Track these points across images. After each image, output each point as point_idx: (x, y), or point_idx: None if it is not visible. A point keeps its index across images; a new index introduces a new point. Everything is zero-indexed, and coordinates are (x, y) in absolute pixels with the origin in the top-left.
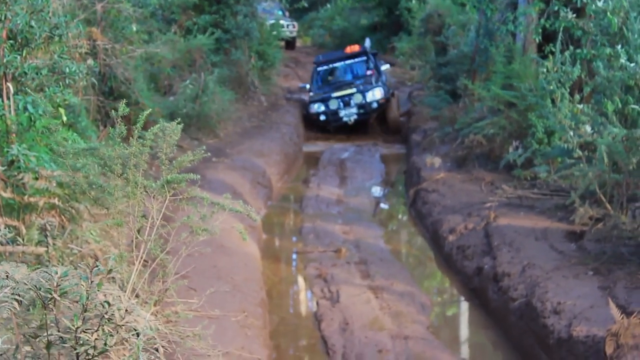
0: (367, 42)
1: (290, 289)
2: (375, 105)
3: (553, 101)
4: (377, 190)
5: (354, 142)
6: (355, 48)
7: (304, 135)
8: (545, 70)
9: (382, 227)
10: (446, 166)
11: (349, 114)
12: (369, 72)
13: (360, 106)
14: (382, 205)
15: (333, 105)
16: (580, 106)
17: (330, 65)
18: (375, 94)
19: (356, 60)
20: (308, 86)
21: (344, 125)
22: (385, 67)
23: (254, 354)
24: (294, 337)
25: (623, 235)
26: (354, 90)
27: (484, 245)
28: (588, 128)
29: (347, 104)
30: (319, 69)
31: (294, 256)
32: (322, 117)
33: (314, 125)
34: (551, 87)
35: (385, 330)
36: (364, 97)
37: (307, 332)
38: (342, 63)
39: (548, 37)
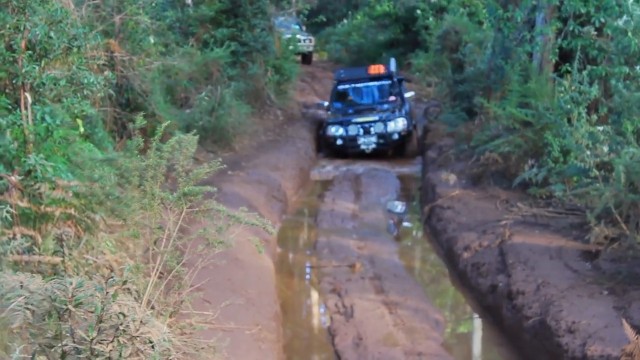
0: (393, 64)
1: (304, 303)
2: (396, 137)
3: (569, 120)
4: (392, 206)
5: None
6: (380, 68)
7: (317, 156)
8: (562, 89)
9: (396, 243)
10: (461, 183)
11: (367, 143)
12: (392, 98)
13: (380, 136)
14: (397, 221)
15: (352, 131)
16: (600, 128)
17: (352, 85)
18: (398, 125)
19: (380, 83)
20: (326, 104)
21: (361, 153)
22: (409, 94)
23: None
24: (308, 351)
25: (639, 255)
26: (376, 118)
27: (499, 263)
28: (605, 148)
29: (367, 132)
30: (340, 87)
31: (308, 270)
32: (339, 142)
33: (329, 148)
34: (568, 107)
35: (399, 346)
36: (386, 126)
37: (320, 347)
38: (364, 84)
39: (564, 56)
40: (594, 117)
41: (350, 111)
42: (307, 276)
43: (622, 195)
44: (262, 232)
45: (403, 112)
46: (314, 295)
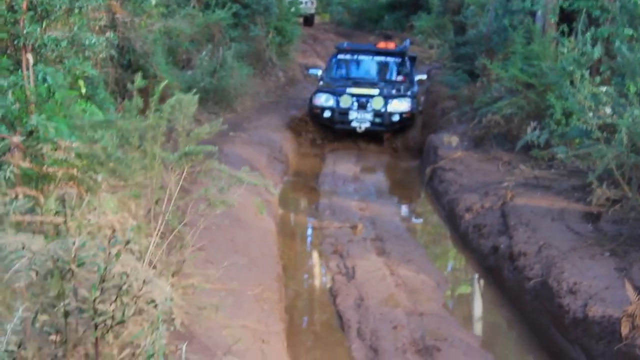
0: (407, 44)
1: (305, 264)
2: (396, 118)
3: (572, 82)
4: (393, 168)
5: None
6: (390, 45)
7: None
8: (565, 50)
9: (398, 205)
10: (463, 145)
11: (361, 119)
12: (399, 78)
13: (377, 114)
14: (399, 182)
15: (345, 102)
16: (603, 88)
17: (355, 56)
18: (401, 105)
19: (389, 59)
20: (320, 73)
21: (351, 132)
22: (421, 77)
23: (269, 327)
24: (309, 312)
25: None
26: (375, 91)
27: (500, 225)
28: (608, 109)
29: (362, 106)
30: (339, 56)
31: (310, 231)
32: (327, 114)
33: (314, 120)
34: (571, 68)
35: (401, 307)
36: (386, 104)
37: (322, 308)
38: (369, 57)
39: (567, 17)
40: (597, 78)
41: (347, 83)
42: (309, 237)
43: (624, 157)
44: (263, 193)
45: (410, 93)
46: (316, 256)
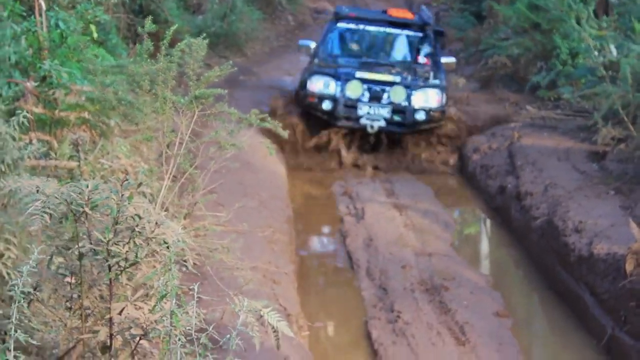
0: (426, 12)
1: (315, 206)
2: (422, 116)
3: (578, 22)
4: None
5: None
6: (406, 14)
7: None
8: None
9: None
10: (470, 87)
11: (374, 116)
12: (422, 60)
13: (397, 109)
14: None
15: (353, 90)
16: (604, 24)
17: (361, 26)
18: (429, 99)
19: (407, 33)
20: (313, 45)
21: (361, 130)
22: (448, 60)
23: (280, 268)
24: (319, 252)
25: None
26: (396, 78)
27: (508, 165)
28: (613, 48)
29: (376, 98)
30: (340, 25)
31: (320, 174)
32: (327, 106)
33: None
34: (576, 6)
35: (409, 247)
36: (409, 97)
37: (332, 248)
38: (381, 29)
39: None
40: (605, 18)
41: (353, 63)
42: (319, 179)
43: (630, 96)
44: (274, 136)
45: (438, 81)
46: (325, 198)
